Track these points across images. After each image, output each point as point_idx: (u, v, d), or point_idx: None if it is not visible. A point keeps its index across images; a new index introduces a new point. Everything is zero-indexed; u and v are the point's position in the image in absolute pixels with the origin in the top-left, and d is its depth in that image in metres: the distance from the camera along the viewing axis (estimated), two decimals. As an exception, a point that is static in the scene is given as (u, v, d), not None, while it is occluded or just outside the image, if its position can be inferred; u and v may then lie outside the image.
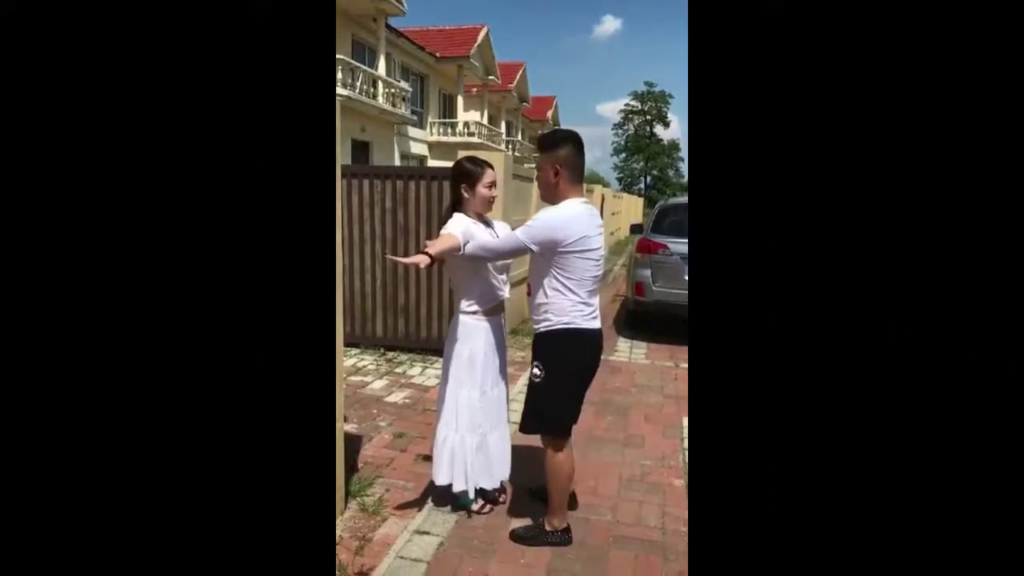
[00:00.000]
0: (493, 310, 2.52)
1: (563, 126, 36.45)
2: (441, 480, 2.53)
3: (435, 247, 2.21)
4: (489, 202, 2.48)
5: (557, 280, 2.22)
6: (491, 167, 2.50)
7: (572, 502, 2.71)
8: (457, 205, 2.49)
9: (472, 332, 2.47)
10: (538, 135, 2.38)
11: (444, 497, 2.61)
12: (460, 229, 2.33)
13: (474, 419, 2.48)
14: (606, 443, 3.46)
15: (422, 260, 2.15)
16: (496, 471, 2.59)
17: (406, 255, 4.93)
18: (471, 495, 2.58)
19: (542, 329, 2.29)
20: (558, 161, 2.23)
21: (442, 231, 2.36)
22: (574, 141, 2.27)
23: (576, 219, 2.19)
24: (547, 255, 2.21)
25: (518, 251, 2.27)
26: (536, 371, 2.30)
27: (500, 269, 2.53)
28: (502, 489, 2.72)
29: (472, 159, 2.53)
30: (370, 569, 2.20)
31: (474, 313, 2.48)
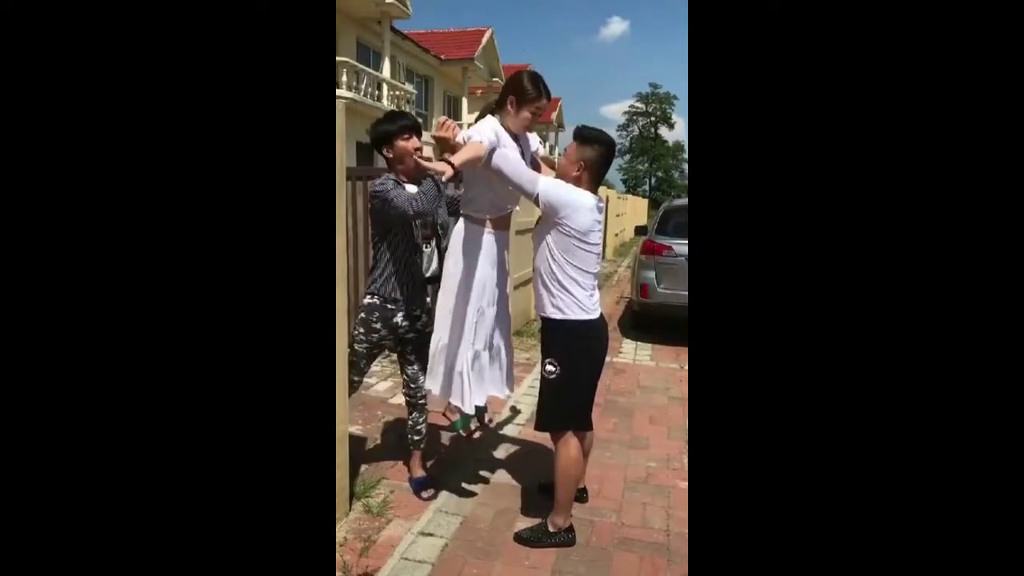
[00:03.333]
0: (499, 222, 2.44)
1: (568, 127, 36.43)
2: (435, 390, 2.50)
3: (460, 157, 2.04)
4: (526, 126, 2.36)
5: (565, 272, 2.25)
6: (549, 100, 2.35)
7: (582, 495, 2.73)
8: (495, 112, 2.36)
9: (474, 244, 2.39)
10: (578, 127, 2.31)
11: (446, 498, 2.61)
12: (488, 136, 2.17)
13: (469, 335, 2.43)
14: (611, 444, 3.45)
15: (446, 169, 1.98)
16: (489, 388, 2.53)
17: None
18: (461, 419, 2.54)
19: (555, 317, 2.29)
20: (584, 158, 2.25)
21: (470, 133, 2.20)
22: (607, 147, 2.29)
23: (587, 211, 2.22)
24: (545, 224, 2.24)
25: (526, 191, 2.21)
26: (550, 367, 2.31)
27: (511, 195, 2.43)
28: (489, 417, 2.66)
29: (534, 78, 2.31)
30: (374, 570, 2.20)
31: (480, 221, 2.40)
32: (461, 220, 2.44)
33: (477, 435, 2.57)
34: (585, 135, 2.29)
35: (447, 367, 2.46)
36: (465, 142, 2.16)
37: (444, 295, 2.47)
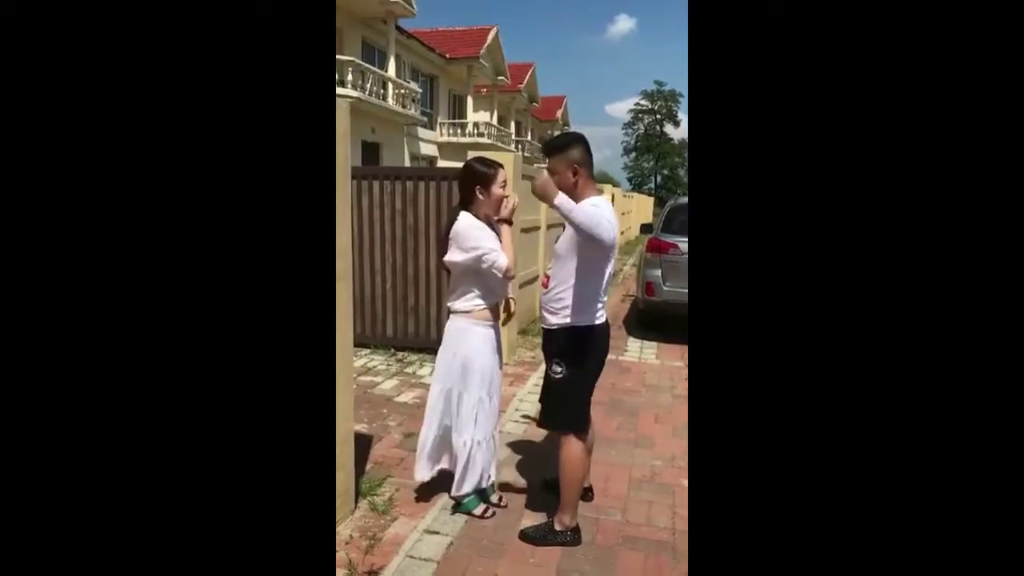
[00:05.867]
0: (494, 310, 2.51)
1: (572, 126, 36.37)
2: (427, 474, 2.58)
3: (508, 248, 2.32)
4: (501, 203, 2.45)
5: (585, 279, 2.25)
6: (502, 167, 2.47)
7: (587, 494, 2.74)
8: (466, 206, 2.46)
9: (472, 338, 2.46)
10: (544, 140, 2.34)
11: (450, 497, 2.62)
12: (486, 240, 2.34)
13: (471, 425, 2.49)
14: (616, 443, 3.45)
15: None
16: (484, 479, 2.57)
17: (415, 256, 4.98)
18: (474, 498, 2.59)
19: (566, 324, 2.30)
20: (575, 161, 2.25)
21: (474, 243, 2.34)
22: (583, 140, 2.31)
23: (613, 218, 2.21)
24: (585, 247, 2.19)
25: (606, 244, 2.13)
26: (556, 368, 2.33)
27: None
28: (499, 495, 2.72)
29: (483, 160, 2.48)
30: (380, 568, 2.21)
31: (475, 316, 2.46)
32: (454, 318, 2.50)
33: (491, 514, 2.61)
34: (556, 144, 2.30)
35: (446, 456, 2.54)
36: (481, 258, 2.34)
37: (438, 388, 2.53)
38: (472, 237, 2.35)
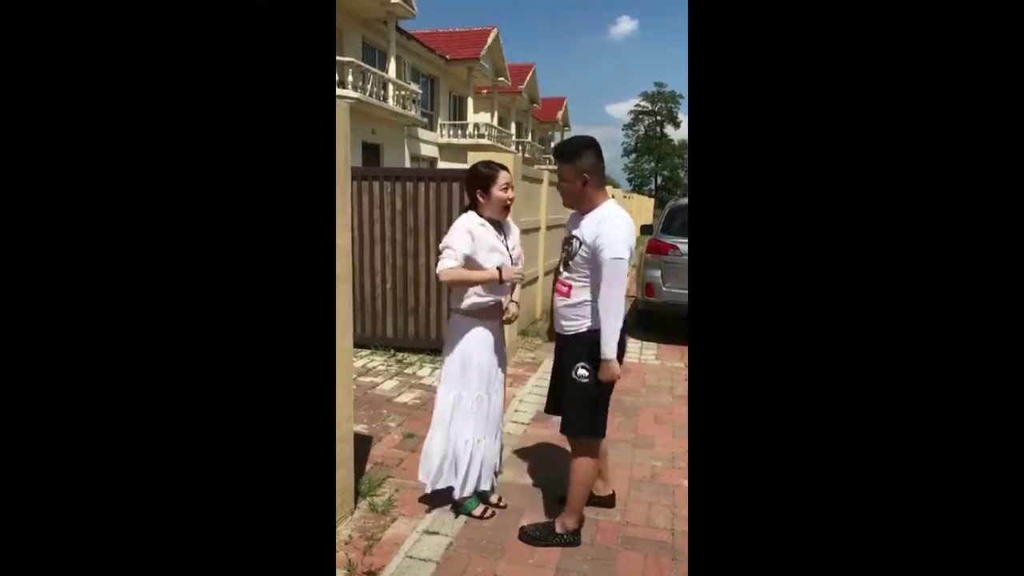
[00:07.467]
0: (493, 312, 2.50)
1: (573, 126, 36.33)
2: (431, 485, 2.53)
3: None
4: (504, 205, 2.45)
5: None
6: (506, 169, 2.48)
7: (610, 500, 2.73)
8: (473, 208, 2.47)
9: (470, 335, 2.46)
10: (555, 144, 2.33)
11: (450, 498, 2.62)
12: (461, 248, 2.32)
13: (470, 423, 2.48)
14: (616, 444, 3.45)
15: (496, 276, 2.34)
16: (484, 480, 2.57)
17: (415, 257, 4.99)
18: (473, 499, 2.58)
19: (591, 327, 2.25)
20: (584, 170, 2.23)
21: (446, 243, 2.34)
22: (594, 147, 2.29)
23: (630, 224, 2.22)
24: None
25: (618, 276, 2.16)
26: (583, 371, 2.27)
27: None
28: (498, 496, 2.71)
29: (487, 163, 2.51)
30: (379, 568, 2.21)
31: (473, 315, 2.46)
32: (454, 316, 2.51)
33: (490, 514, 2.61)
34: (567, 149, 2.29)
35: (445, 457, 2.50)
36: (440, 251, 2.34)
37: (444, 387, 2.52)
38: (451, 233, 2.37)
